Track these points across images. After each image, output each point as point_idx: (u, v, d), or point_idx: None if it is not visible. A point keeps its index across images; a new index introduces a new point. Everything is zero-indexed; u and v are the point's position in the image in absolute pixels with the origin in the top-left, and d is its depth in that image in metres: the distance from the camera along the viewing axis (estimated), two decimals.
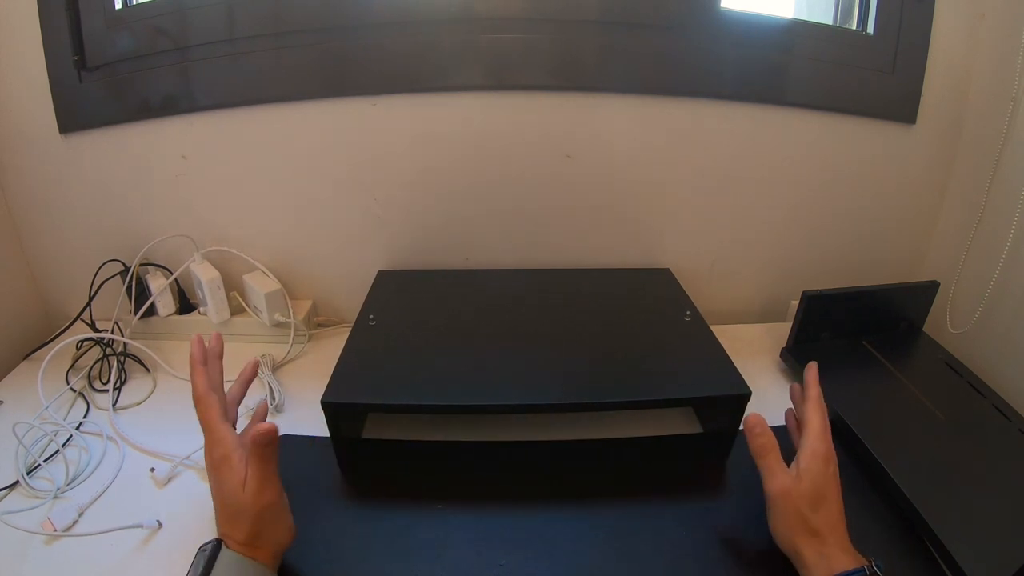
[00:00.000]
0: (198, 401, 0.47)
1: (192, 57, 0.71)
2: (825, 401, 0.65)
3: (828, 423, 0.50)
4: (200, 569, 0.40)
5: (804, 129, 0.77)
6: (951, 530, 0.49)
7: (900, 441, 0.59)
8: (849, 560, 0.43)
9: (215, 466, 0.45)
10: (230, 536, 0.43)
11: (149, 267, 0.78)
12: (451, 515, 0.52)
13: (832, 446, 0.49)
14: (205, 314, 0.78)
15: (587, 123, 0.75)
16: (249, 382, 0.55)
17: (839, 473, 0.48)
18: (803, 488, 0.46)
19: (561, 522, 0.52)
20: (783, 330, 0.75)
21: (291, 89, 0.72)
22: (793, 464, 0.48)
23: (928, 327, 0.79)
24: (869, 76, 0.76)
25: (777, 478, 0.47)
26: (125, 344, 0.73)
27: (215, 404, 0.47)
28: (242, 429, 0.52)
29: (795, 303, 0.73)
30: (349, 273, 0.82)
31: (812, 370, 0.55)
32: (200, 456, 0.57)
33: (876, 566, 0.42)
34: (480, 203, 0.79)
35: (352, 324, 0.67)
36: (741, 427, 0.57)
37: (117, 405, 0.66)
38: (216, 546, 0.42)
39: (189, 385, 0.68)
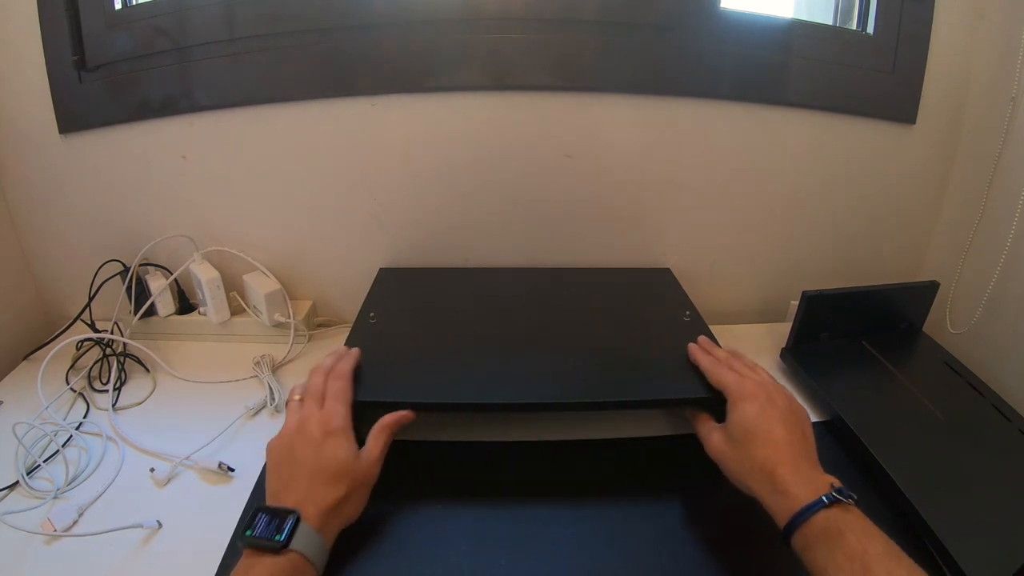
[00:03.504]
0: (337, 377, 0.53)
1: (192, 57, 0.71)
2: (825, 401, 0.66)
3: (741, 373, 0.53)
4: (286, 533, 0.40)
5: (804, 129, 0.77)
6: (951, 530, 0.49)
7: (900, 441, 0.59)
8: (808, 492, 0.42)
9: (330, 433, 0.48)
10: (311, 503, 0.44)
11: (149, 267, 0.78)
12: (451, 515, 0.52)
13: (760, 384, 0.51)
14: (205, 314, 0.78)
15: (587, 123, 0.75)
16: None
17: (797, 411, 0.50)
18: (734, 433, 0.49)
19: (561, 522, 0.51)
20: (783, 330, 0.75)
21: (291, 89, 0.72)
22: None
23: (928, 327, 0.79)
24: (869, 76, 0.76)
25: (711, 436, 0.52)
26: (125, 344, 0.73)
27: (350, 386, 0.52)
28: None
29: (795, 303, 0.73)
30: (349, 273, 0.81)
31: (694, 349, 0.59)
32: (200, 456, 0.58)
33: (837, 491, 0.41)
34: (480, 203, 0.79)
35: (352, 324, 0.67)
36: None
37: (117, 405, 0.66)
38: (296, 518, 0.42)
39: (188, 385, 0.70)
